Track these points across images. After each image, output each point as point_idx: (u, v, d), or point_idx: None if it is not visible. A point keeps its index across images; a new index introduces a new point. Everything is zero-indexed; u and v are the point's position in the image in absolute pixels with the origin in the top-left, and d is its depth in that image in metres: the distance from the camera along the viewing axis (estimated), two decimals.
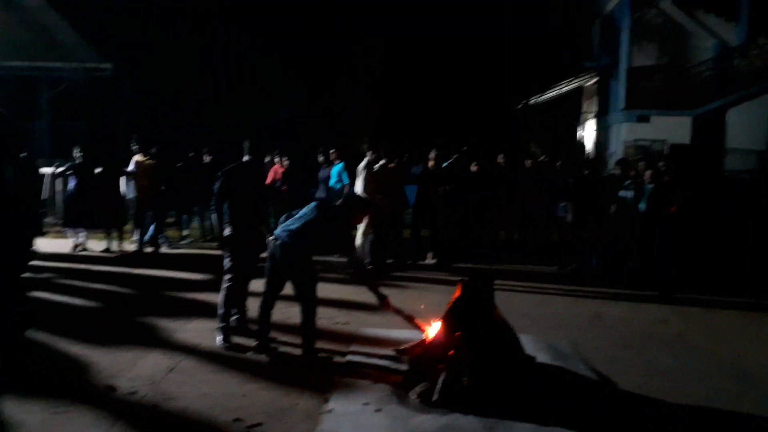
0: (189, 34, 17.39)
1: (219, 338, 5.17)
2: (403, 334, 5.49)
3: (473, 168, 9.42)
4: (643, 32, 17.49)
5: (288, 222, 4.87)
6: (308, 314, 4.79)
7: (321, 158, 10.85)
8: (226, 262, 5.22)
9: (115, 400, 4.09)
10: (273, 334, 5.30)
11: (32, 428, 3.64)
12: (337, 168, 10.02)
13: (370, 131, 15.43)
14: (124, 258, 9.31)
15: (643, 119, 16.74)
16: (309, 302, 4.80)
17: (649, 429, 3.98)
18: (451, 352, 4.22)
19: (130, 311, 6.36)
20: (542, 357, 4.92)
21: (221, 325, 5.17)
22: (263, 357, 4.96)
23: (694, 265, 8.53)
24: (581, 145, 19.20)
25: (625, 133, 17.13)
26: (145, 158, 9.39)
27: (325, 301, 6.30)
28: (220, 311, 5.19)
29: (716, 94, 16.48)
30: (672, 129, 16.47)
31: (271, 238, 4.84)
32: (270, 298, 5.00)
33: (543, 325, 6.23)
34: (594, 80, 19.33)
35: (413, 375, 4.26)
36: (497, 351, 4.16)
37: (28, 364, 4.61)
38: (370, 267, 7.66)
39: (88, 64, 16.24)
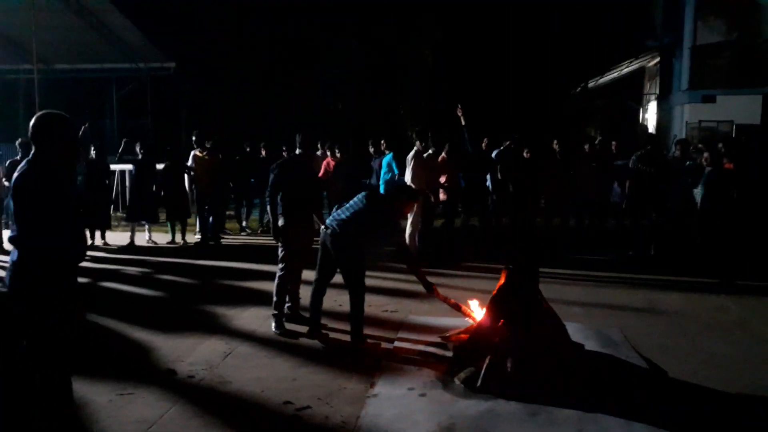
0: (246, 28, 17.87)
1: (273, 325, 5.39)
2: (449, 321, 5.58)
3: (525, 154, 9.32)
4: (709, 7, 16.66)
5: (339, 212, 5.05)
6: (356, 301, 4.95)
7: (371, 149, 11.00)
8: (280, 252, 5.43)
9: (175, 382, 4.36)
10: (324, 321, 5.49)
11: (99, 407, 3.95)
12: (387, 158, 10.11)
13: (422, 120, 15.42)
14: (186, 249, 9.76)
15: (709, 99, 16.01)
16: (357, 290, 4.95)
17: (697, 417, 3.91)
18: (496, 338, 4.27)
19: (190, 300, 6.71)
20: (591, 345, 4.88)
21: (275, 312, 5.40)
22: (314, 342, 5.16)
23: (756, 253, 8.15)
24: (644, 128, 18.53)
25: (688, 114, 16.44)
26: (202, 153, 9.80)
27: (376, 289, 6.49)
28: (274, 299, 5.41)
29: None
30: (740, 109, 15.68)
31: (323, 227, 5.01)
32: (321, 285, 5.20)
33: (594, 313, 6.16)
34: (656, 60, 18.61)
35: (458, 361, 4.34)
36: (541, 338, 4.17)
37: (97, 349, 4.98)
38: (417, 256, 7.74)
39: (153, 64, 16.99)
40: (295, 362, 4.73)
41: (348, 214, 4.93)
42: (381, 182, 10.15)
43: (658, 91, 18.95)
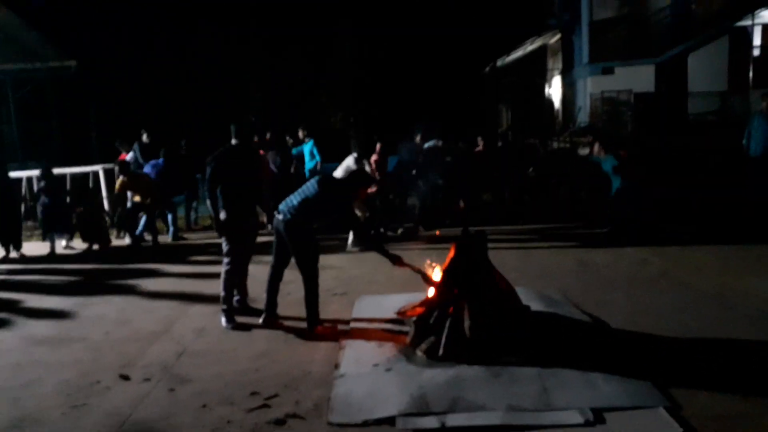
0: (155, 21, 17.04)
1: (223, 320, 5.27)
2: (400, 298, 5.67)
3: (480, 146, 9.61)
4: None
5: (291, 197, 4.99)
6: (311, 287, 4.94)
7: (290, 140, 10.85)
8: (224, 246, 5.29)
9: (131, 388, 4.18)
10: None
11: (53, 423, 3.73)
12: (308, 146, 10.04)
13: (345, 105, 15.40)
14: (117, 254, 9.28)
15: (608, 71, 17.01)
16: (311, 275, 4.94)
17: (641, 360, 4.21)
18: (451, 308, 4.40)
19: (128, 304, 6.40)
20: (535, 305, 5.12)
21: (224, 307, 5.28)
22: (271, 332, 5.09)
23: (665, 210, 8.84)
24: (549, 103, 19.42)
25: (591, 86, 17.39)
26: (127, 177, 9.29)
27: (320, 274, 6.46)
28: (222, 294, 5.29)
29: (676, 40, 16.82)
30: (637, 78, 16.78)
31: (276, 214, 4.95)
32: (277, 271, 5.16)
33: (532, 276, 6.46)
34: (557, 37, 19.49)
35: (418, 333, 4.43)
36: (495, 303, 4.34)
37: (35, 362, 4.68)
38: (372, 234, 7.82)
39: (52, 63, 15.87)
40: (253, 354, 4.66)
41: (300, 199, 4.89)
42: (306, 170, 10.10)
43: (561, 66, 19.87)
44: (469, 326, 4.27)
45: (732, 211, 9.44)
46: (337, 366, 4.29)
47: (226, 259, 5.30)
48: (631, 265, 6.82)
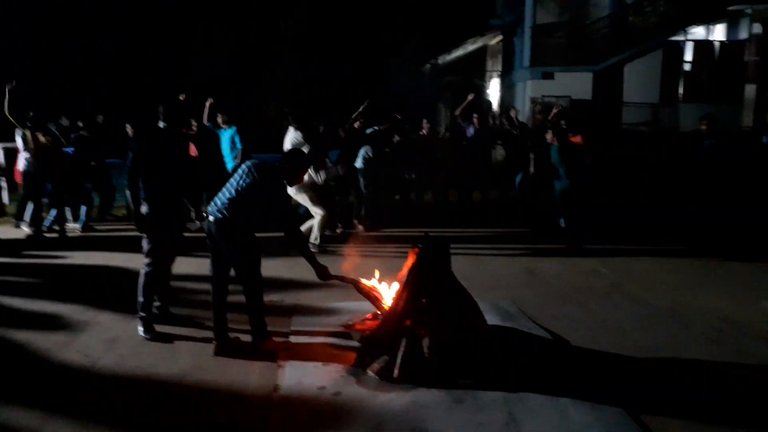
0: None
1: (140, 329, 4.57)
2: (343, 306, 5.18)
3: (396, 138, 9.09)
4: None
5: (220, 194, 4.28)
6: (254, 295, 4.30)
7: (209, 124, 9.95)
8: (145, 245, 4.58)
9: (33, 411, 3.45)
10: (196, 318, 4.80)
11: None
12: (229, 133, 9.18)
13: (282, 95, 14.63)
14: (11, 245, 8.20)
15: (548, 76, 17.09)
16: (253, 282, 4.29)
17: (612, 386, 3.90)
18: (408, 321, 3.92)
19: (25, 306, 5.52)
20: (491, 319, 4.72)
21: (142, 315, 4.57)
22: (195, 345, 4.44)
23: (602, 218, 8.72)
24: (488, 103, 19.38)
25: (531, 90, 17.43)
26: (44, 136, 8.18)
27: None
28: (140, 300, 4.57)
29: (614, 50, 17.11)
30: (575, 85, 16.95)
31: (206, 216, 4.26)
32: (219, 286, 4.37)
33: (483, 285, 6.07)
34: (498, 38, 19.46)
35: (369, 351, 3.93)
36: (457, 318, 3.90)
37: None
38: (316, 242, 7.16)
39: None
40: (177, 371, 4.01)
41: (232, 193, 4.20)
42: (226, 159, 9.24)
43: (500, 68, 19.88)
44: (428, 344, 3.80)
45: (672, 225, 9.50)
46: (276, 388, 3.72)
47: (146, 260, 4.59)
48: (582, 276, 6.59)
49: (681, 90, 18.25)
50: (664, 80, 18.02)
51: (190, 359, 4.19)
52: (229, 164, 9.07)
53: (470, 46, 19.45)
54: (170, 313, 4.89)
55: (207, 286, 4.75)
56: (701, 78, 18.50)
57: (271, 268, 6.49)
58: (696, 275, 6.61)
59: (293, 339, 4.52)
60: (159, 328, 4.67)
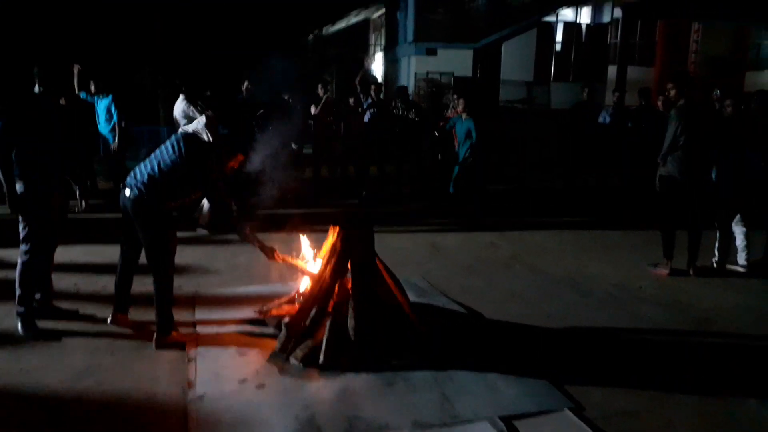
0: None
1: (19, 327, 3.98)
2: (251, 292, 4.87)
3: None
4: None
5: (140, 167, 3.81)
6: (163, 282, 3.88)
7: (82, 93, 8.98)
8: (21, 229, 3.97)
9: None
10: (90, 311, 4.29)
11: None
12: (104, 102, 8.31)
13: (155, 62, 13.46)
14: None
15: (431, 52, 17.33)
16: (164, 267, 3.88)
17: (529, 353, 4.00)
18: (331, 303, 3.75)
19: None
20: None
21: (20, 310, 3.98)
22: (89, 341, 3.95)
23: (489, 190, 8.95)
24: (373, 78, 19.31)
25: (415, 65, 17.60)
26: None
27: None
28: (18, 292, 3.97)
29: (492, 27, 17.70)
30: (458, 62, 17.35)
31: (123, 188, 3.79)
32: (127, 262, 4.05)
33: (392, 261, 5.95)
34: (381, 12, 19.38)
35: (291, 338, 3.70)
36: (382, 298, 3.79)
37: None
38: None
39: None
40: (70, 373, 3.53)
41: (154, 169, 3.74)
42: (102, 131, 8.36)
43: (383, 43, 19.86)
44: (353, 326, 3.66)
45: (552, 196, 10.04)
46: (190, 385, 3.40)
47: (23, 246, 3.99)
48: (482, 249, 6.75)
49: (552, 69, 19.36)
50: (538, 60, 19.01)
51: (84, 357, 3.73)
52: (108, 138, 8.22)
53: (353, 18, 19.23)
54: (54, 306, 4.31)
55: (96, 275, 4.28)
56: (570, 58, 19.74)
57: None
58: (584, 244, 7.01)
59: (201, 329, 4.17)
60: (43, 324, 4.11)
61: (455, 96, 8.51)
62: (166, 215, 3.84)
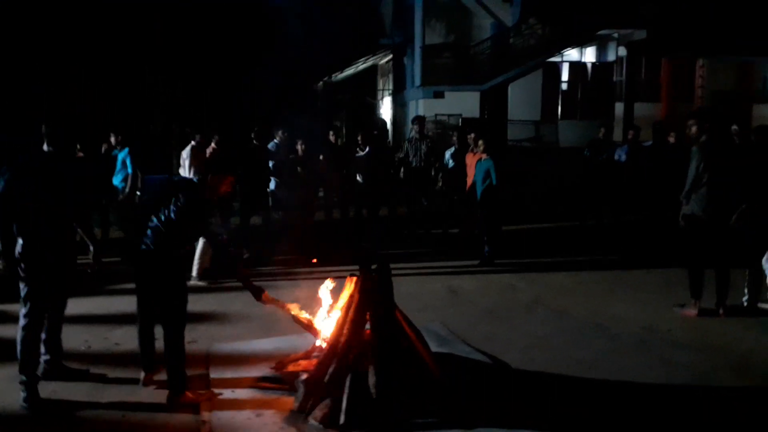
0: None
1: (22, 396, 3.77)
2: (267, 345, 4.70)
3: (299, 147, 8.68)
4: (433, 10, 18.16)
5: (149, 225, 3.79)
6: (176, 338, 3.77)
7: (104, 146, 9.07)
8: (22, 291, 3.81)
9: None
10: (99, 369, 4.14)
11: None
12: (121, 155, 8.38)
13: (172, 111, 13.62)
14: None
15: (439, 95, 17.47)
16: (180, 323, 3.80)
17: (561, 410, 3.78)
18: (351, 358, 3.56)
19: None
20: None
21: (25, 379, 3.75)
22: (93, 411, 3.76)
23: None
24: (382, 122, 19.48)
25: (422, 108, 17.71)
26: None
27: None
28: (20, 358, 3.77)
29: (498, 70, 17.84)
30: (464, 104, 17.47)
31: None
32: (146, 327, 3.98)
33: (409, 307, 5.75)
34: (388, 58, 19.66)
35: (308, 394, 3.51)
36: (405, 352, 3.61)
37: None
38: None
39: None
40: None
41: (155, 221, 3.75)
42: (115, 182, 8.38)
43: (392, 87, 20.07)
44: (375, 383, 3.46)
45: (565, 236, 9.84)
46: None
47: (23, 309, 3.79)
48: (502, 292, 6.55)
49: (559, 107, 19.42)
50: (545, 99, 19.10)
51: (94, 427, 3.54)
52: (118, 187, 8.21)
53: (361, 65, 19.52)
54: (64, 366, 4.14)
55: (107, 329, 4.13)
56: (576, 97, 19.84)
57: None
58: (607, 284, 6.80)
59: (215, 389, 3.98)
60: (53, 385, 3.93)
61: (472, 135, 8.41)
62: (177, 264, 3.80)
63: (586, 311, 5.79)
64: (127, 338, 4.93)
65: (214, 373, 4.20)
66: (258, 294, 4.01)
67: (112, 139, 8.62)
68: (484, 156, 7.62)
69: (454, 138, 9.20)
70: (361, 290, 3.60)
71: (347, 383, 3.47)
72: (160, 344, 3.94)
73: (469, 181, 8.04)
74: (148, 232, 3.76)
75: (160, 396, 3.81)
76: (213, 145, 7.43)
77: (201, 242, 6.66)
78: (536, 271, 7.47)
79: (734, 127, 7.77)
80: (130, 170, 8.11)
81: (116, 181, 8.31)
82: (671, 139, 8.96)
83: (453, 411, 3.51)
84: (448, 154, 9.15)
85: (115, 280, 6.83)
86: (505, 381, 4.19)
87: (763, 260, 5.65)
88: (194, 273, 6.67)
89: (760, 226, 5.51)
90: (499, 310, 5.90)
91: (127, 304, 5.98)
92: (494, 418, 3.51)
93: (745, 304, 5.69)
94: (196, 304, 5.63)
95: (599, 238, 9.24)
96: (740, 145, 6.04)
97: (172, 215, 3.71)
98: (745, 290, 5.70)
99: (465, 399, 3.68)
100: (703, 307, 5.57)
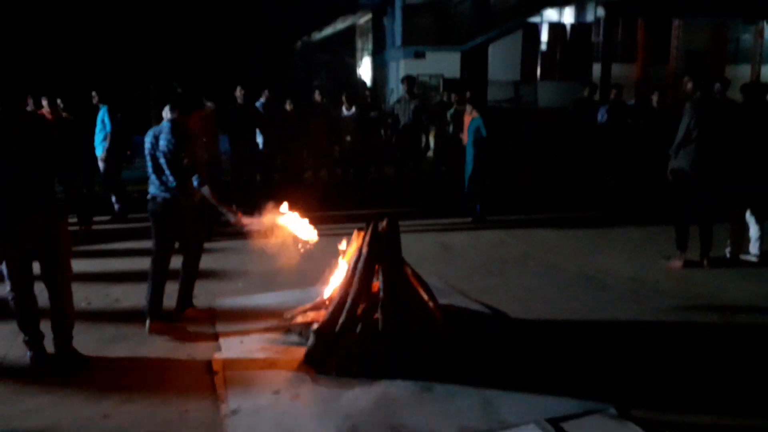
0: None
1: (28, 353, 3.74)
2: (268, 299, 4.76)
3: (288, 107, 8.60)
4: None
5: (151, 174, 4.14)
6: (197, 262, 4.48)
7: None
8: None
9: None
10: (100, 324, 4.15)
11: None
12: (100, 114, 8.15)
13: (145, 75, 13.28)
14: None
15: (420, 55, 17.30)
16: (200, 248, 4.52)
17: (562, 353, 3.92)
18: (361, 308, 3.63)
19: None
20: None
21: (26, 338, 3.70)
22: (99, 362, 3.79)
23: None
24: (362, 82, 19.27)
25: (403, 69, 17.55)
26: None
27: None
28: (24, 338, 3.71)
29: (478, 30, 17.72)
30: (446, 64, 17.35)
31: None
32: (166, 267, 4.31)
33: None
34: (367, 17, 19.33)
35: (321, 346, 3.58)
36: (414, 301, 3.69)
37: None
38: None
39: None
40: (97, 394, 3.37)
41: (151, 170, 4.13)
42: (96, 143, 8.18)
43: (371, 47, 19.81)
44: (385, 332, 3.55)
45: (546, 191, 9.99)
46: (221, 399, 3.26)
47: (8, 286, 3.58)
48: (492, 247, 6.68)
49: (539, 69, 19.42)
50: (524, 60, 19.06)
51: (108, 379, 3.56)
52: (98, 149, 8.03)
53: (340, 25, 19.17)
54: (73, 351, 3.75)
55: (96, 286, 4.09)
56: (555, 58, 19.84)
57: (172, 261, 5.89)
58: (592, 240, 6.97)
59: (223, 341, 4.03)
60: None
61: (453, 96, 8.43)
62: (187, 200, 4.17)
63: (575, 265, 5.95)
64: (127, 295, 4.94)
65: (221, 327, 4.25)
66: (234, 216, 4.30)
67: (94, 98, 8.39)
68: (475, 114, 7.66)
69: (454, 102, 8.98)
70: (370, 243, 3.64)
71: (358, 332, 3.54)
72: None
73: (465, 138, 8.06)
74: (151, 183, 4.12)
75: (167, 347, 3.86)
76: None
77: None
78: (524, 227, 7.62)
79: (717, 85, 7.93)
80: (108, 129, 7.95)
81: (97, 140, 8.13)
82: (654, 98, 9.08)
83: (461, 357, 3.62)
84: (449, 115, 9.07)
85: (108, 238, 6.79)
86: (507, 330, 4.31)
87: (746, 214, 5.87)
88: None
89: (745, 181, 5.69)
90: (491, 264, 6.03)
91: (123, 263, 6.00)
92: (501, 364, 3.63)
93: (728, 255, 5.91)
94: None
95: (585, 196, 9.40)
96: (729, 104, 6.16)
97: (161, 159, 4.06)
98: (728, 242, 5.92)
99: (472, 346, 3.79)
100: (689, 259, 5.78)
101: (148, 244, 4.35)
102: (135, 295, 4.79)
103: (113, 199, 7.99)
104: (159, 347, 3.95)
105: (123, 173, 8.35)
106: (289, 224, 4.26)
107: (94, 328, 4.23)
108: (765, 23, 23.08)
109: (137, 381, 3.50)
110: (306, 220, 4.32)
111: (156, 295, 4.14)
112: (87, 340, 3.96)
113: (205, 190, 4.14)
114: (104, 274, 5.58)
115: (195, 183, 4.12)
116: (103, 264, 5.93)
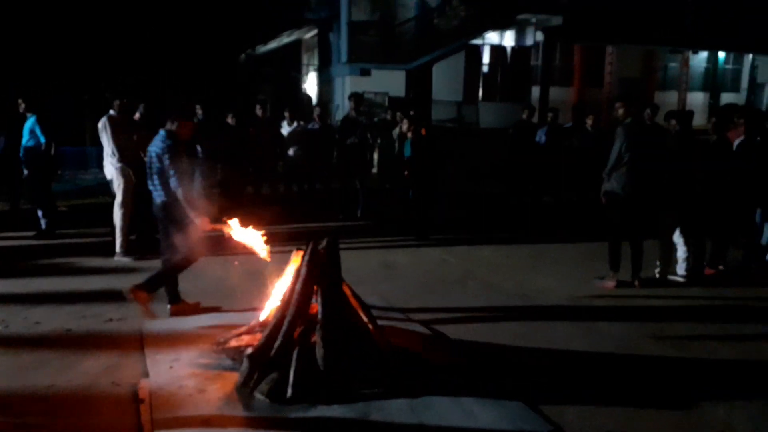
0: None
1: None
2: (202, 321, 4.59)
3: (230, 120, 8.43)
4: None
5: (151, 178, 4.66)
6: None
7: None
8: None
9: None
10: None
11: None
12: (28, 123, 7.72)
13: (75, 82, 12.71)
14: None
15: (365, 73, 17.35)
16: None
17: (498, 374, 3.94)
18: (298, 330, 3.54)
19: None
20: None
21: None
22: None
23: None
24: (308, 97, 19.16)
25: (349, 85, 17.55)
26: None
27: (80, 295, 5.06)
28: None
29: (422, 50, 17.94)
30: (391, 82, 17.46)
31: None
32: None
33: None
34: (313, 33, 19.29)
35: (253, 369, 3.45)
36: (352, 324, 3.63)
37: None
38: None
39: None
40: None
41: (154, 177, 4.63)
42: (21, 153, 7.74)
43: (317, 63, 19.76)
44: (323, 355, 3.46)
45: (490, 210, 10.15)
46: (146, 431, 3.09)
47: None
48: (434, 267, 6.70)
49: (480, 89, 19.85)
50: (467, 80, 19.44)
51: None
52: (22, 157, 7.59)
53: (285, 39, 19.03)
54: None
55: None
56: (496, 79, 20.35)
57: (106, 276, 5.66)
58: (531, 259, 7.09)
59: (150, 367, 3.83)
60: None
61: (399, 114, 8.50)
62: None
63: (514, 284, 6.03)
64: (48, 317, 4.66)
65: (149, 351, 4.04)
66: (200, 220, 4.53)
67: (21, 106, 7.92)
68: (410, 134, 7.77)
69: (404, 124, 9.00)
70: (309, 264, 3.56)
71: (294, 356, 3.45)
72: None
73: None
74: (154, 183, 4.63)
75: (91, 374, 3.66)
76: (138, 114, 7.06)
77: (119, 216, 6.39)
78: (465, 245, 7.69)
79: (647, 111, 8.30)
80: (42, 140, 7.53)
81: (23, 151, 7.69)
82: (589, 121, 9.41)
83: (398, 382, 3.57)
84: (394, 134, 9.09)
85: (32, 256, 6.43)
86: (445, 351, 4.30)
87: (674, 235, 6.11)
88: (118, 249, 6.36)
89: (673, 204, 5.94)
90: (432, 283, 6.04)
91: (46, 282, 5.67)
92: (438, 386, 3.60)
93: (658, 275, 6.12)
94: (121, 280, 5.41)
95: (523, 215, 9.59)
96: (658, 129, 6.44)
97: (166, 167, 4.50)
98: (657, 263, 6.14)
99: (409, 370, 3.75)
100: (621, 279, 5.95)
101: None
102: (57, 318, 4.53)
103: (39, 213, 7.54)
104: (82, 374, 3.73)
105: (53, 187, 7.95)
106: (246, 238, 4.37)
107: (10, 353, 3.97)
108: (690, 52, 24.58)
109: (56, 412, 3.28)
110: (260, 235, 4.39)
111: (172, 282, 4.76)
112: (2, 367, 3.69)
113: (180, 193, 4.50)
114: (24, 295, 5.24)
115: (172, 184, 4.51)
116: (24, 284, 5.58)
